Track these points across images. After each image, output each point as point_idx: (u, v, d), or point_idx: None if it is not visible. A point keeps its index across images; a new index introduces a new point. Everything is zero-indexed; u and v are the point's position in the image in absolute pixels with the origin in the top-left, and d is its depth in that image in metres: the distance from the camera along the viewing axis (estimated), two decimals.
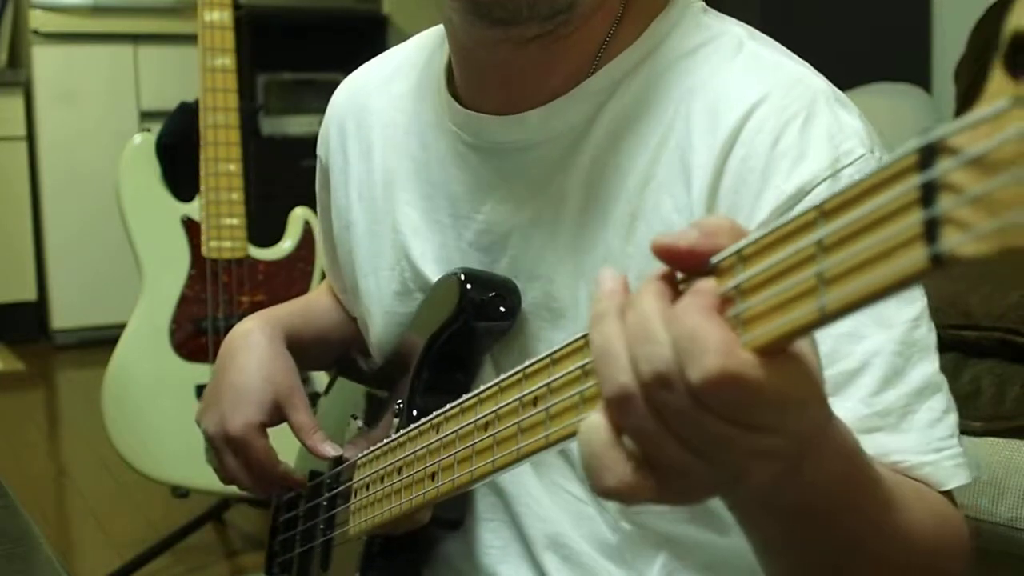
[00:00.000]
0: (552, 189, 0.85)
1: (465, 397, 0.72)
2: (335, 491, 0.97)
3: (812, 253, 0.43)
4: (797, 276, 0.44)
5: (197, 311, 2.35)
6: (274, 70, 4.36)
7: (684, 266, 0.50)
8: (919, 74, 2.85)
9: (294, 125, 4.28)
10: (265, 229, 2.48)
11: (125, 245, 2.37)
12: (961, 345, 1.63)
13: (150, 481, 2.37)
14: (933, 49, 2.90)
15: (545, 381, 0.60)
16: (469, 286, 0.86)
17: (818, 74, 0.82)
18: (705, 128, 0.79)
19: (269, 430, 1.00)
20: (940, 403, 0.75)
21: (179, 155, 2.38)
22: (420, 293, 0.93)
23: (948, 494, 0.74)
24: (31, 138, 4.40)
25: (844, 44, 2.68)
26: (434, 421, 0.77)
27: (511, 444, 0.64)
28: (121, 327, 2.36)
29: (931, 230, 0.38)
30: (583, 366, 0.56)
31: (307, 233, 2.44)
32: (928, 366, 0.75)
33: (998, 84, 0.36)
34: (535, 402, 0.61)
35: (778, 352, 0.46)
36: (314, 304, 1.12)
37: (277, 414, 0.99)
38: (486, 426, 0.68)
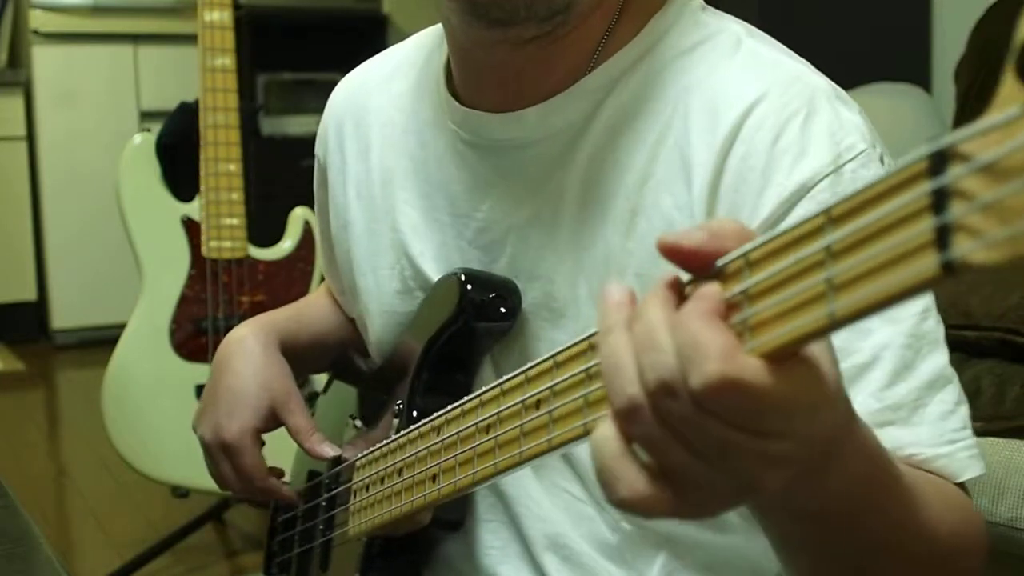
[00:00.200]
0: (551, 187, 0.85)
1: (466, 399, 0.71)
2: (334, 492, 0.97)
3: (821, 259, 0.43)
4: (806, 282, 0.43)
5: (197, 311, 2.35)
6: (274, 70, 4.36)
7: (688, 266, 0.49)
8: (919, 74, 2.85)
9: (294, 125, 4.28)
10: (265, 229, 2.48)
11: (125, 245, 2.38)
12: (961, 345, 1.63)
13: (150, 481, 2.37)
14: (933, 49, 2.90)
15: (548, 384, 0.60)
16: (469, 286, 0.86)
17: (817, 71, 0.82)
18: (704, 126, 0.79)
19: (268, 433, 1.00)
20: (951, 395, 0.75)
21: (179, 155, 2.38)
22: (421, 292, 0.93)
23: (962, 486, 0.74)
24: (31, 138, 4.40)
25: (844, 44, 2.68)
26: (435, 423, 0.76)
27: (513, 447, 0.64)
28: (121, 327, 2.36)
29: (942, 237, 0.37)
30: (587, 369, 0.56)
31: (307, 233, 2.44)
32: (939, 358, 0.75)
33: (1009, 90, 0.36)
34: (538, 405, 0.61)
35: (787, 357, 0.45)
36: (309, 308, 1.12)
37: (273, 419, 1.00)
38: (488, 428, 0.67)
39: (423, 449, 0.78)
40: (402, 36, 1.03)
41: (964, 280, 0.38)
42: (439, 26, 0.93)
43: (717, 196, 0.78)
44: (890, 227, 0.40)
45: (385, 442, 0.86)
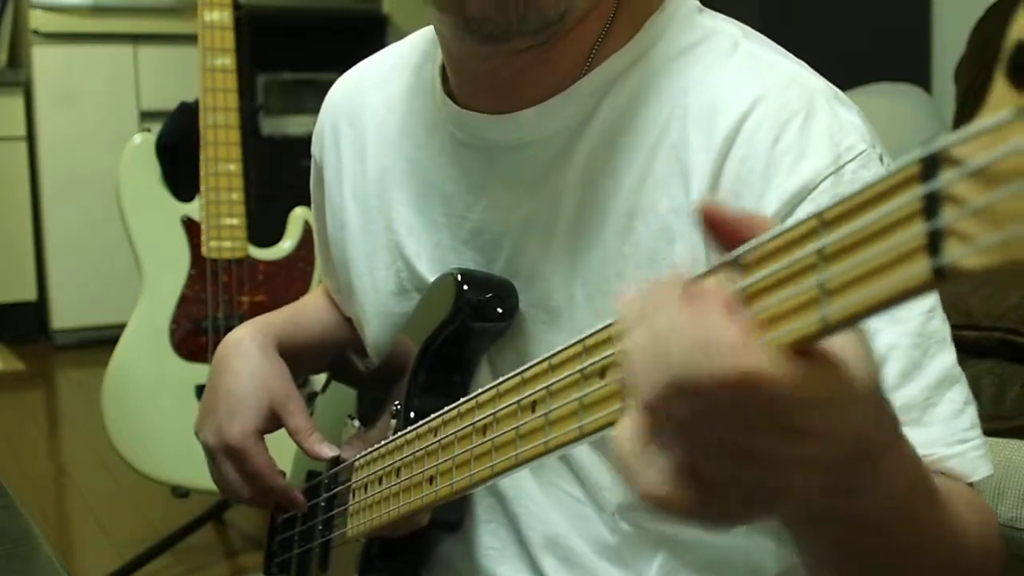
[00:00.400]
0: (547, 189, 0.84)
1: (463, 400, 0.71)
2: (333, 492, 0.97)
3: (813, 262, 0.42)
4: (798, 286, 0.43)
5: (197, 311, 2.35)
6: (274, 70, 4.36)
7: (720, 235, 0.48)
8: (919, 74, 2.85)
9: (294, 125, 4.28)
10: (265, 229, 2.48)
11: (125, 245, 2.38)
12: (961, 345, 1.62)
13: (150, 481, 2.37)
14: (933, 49, 2.90)
15: (544, 385, 0.59)
16: (466, 287, 0.86)
17: (814, 73, 0.81)
18: (701, 128, 0.79)
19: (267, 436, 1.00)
20: (960, 394, 0.75)
21: (179, 155, 2.38)
22: (417, 293, 0.93)
23: (971, 487, 0.74)
24: (31, 138, 4.40)
25: (844, 44, 2.68)
26: (432, 424, 0.76)
27: (509, 449, 0.63)
28: (121, 327, 2.36)
29: (934, 242, 0.37)
30: (582, 370, 0.56)
31: (307, 233, 2.44)
32: (946, 357, 0.75)
33: (1000, 94, 0.36)
34: (534, 407, 0.61)
35: (801, 353, 0.44)
36: (307, 309, 1.12)
37: (274, 420, 0.99)
38: (484, 430, 0.67)
39: (420, 450, 0.77)
40: (402, 36, 1.03)
41: (956, 284, 0.38)
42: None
43: (716, 199, 0.77)
44: (882, 231, 0.40)
45: (383, 443, 0.86)
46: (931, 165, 0.38)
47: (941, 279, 0.37)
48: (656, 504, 0.48)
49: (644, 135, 0.81)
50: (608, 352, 0.54)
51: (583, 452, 0.84)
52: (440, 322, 0.87)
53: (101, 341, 3.39)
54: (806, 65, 0.82)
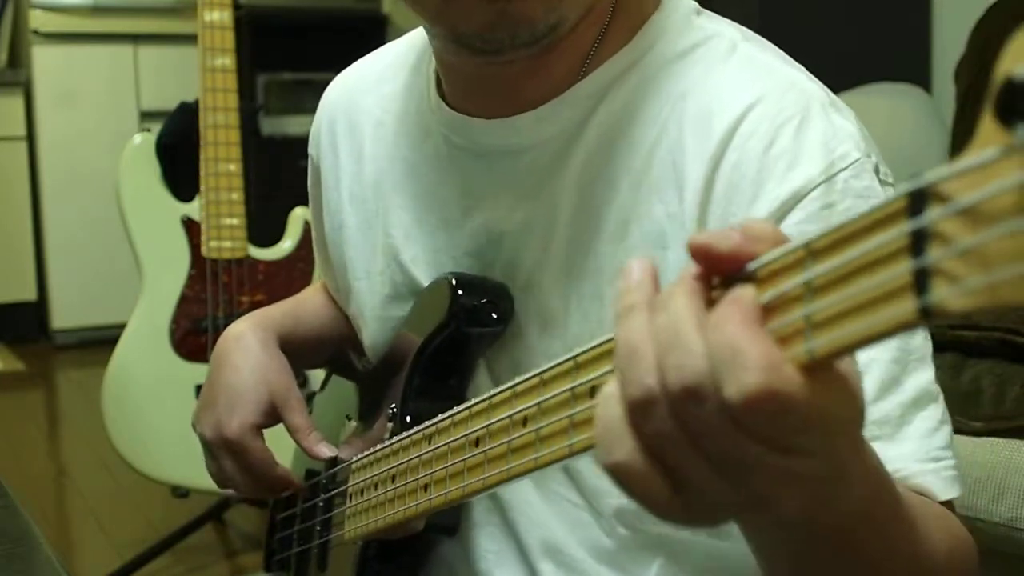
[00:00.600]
0: (543, 194, 0.84)
1: (456, 409, 0.71)
2: (331, 492, 0.97)
3: (800, 294, 0.42)
4: (785, 317, 0.43)
5: (197, 311, 2.35)
6: (274, 70, 4.36)
7: (719, 270, 0.47)
8: (919, 74, 2.84)
9: (294, 125, 4.28)
10: (265, 229, 2.48)
11: (125, 245, 2.38)
12: (961, 345, 1.63)
13: (150, 481, 2.37)
14: (933, 49, 2.90)
15: (535, 401, 0.59)
16: (460, 291, 0.85)
17: (812, 78, 0.81)
18: (697, 133, 0.78)
19: (266, 431, 1.00)
20: (936, 413, 0.74)
21: (179, 155, 2.38)
22: (411, 297, 0.92)
23: (947, 505, 0.73)
24: (31, 138, 4.40)
25: (844, 44, 2.68)
26: (427, 431, 0.76)
27: (501, 463, 0.63)
28: (121, 327, 2.36)
29: (920, 280, 0.37)
30: (572, 389, 0.55)
31: (307, 233, 2.44)
32: (924, 374, 0.74)
33: (987, 131, 0.35)
34: (525, 422, 0.60)
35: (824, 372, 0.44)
36: (306, 304, 1.11)
37: (273, 415, 0.99)
38: (477, 442, 0.67)
39: (415, 457, 0.77)
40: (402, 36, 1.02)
41: (941, 321, 0.38)
42: None
43: (709, 205, 0.77)
44: (869, 266, 0.39)
45: (379, 447, 0.86)
46: (918, 200, 0.37)
47: (927, 318, 0.37)
48: (629, 475, 0.47)
49: (641, 139, 0.81)
50: (599, 371, 0.53)
51: (581, 458, 0.84)
52: (435, 326, 0.87)
53: (101, 341, 3.40)
54: (804, 69, 0.82)
